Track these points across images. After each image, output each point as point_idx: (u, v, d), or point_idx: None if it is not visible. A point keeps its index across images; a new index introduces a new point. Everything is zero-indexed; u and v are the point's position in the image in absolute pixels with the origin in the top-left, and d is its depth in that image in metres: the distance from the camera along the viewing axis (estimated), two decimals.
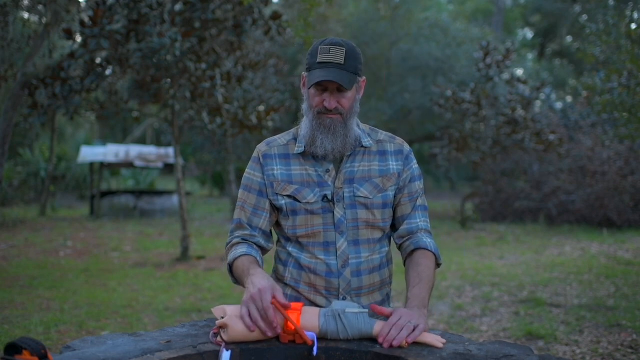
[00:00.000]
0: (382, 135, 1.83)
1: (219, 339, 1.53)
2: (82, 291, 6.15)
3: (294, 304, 1.55)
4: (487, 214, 13.38)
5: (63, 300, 5.70)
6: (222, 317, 1.54)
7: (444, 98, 13.25)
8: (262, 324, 1.49)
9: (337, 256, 1.72)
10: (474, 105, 12.72)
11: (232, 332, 1.50)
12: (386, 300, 1.84)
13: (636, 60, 6.53)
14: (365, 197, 1.73)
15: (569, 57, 29.01)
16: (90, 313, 5.21)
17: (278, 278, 1.84)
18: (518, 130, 12.57)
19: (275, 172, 1.76)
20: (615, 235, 10.08)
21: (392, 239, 1.87)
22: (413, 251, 1.77)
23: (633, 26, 7.29)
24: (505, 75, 14.03)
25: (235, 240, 1.80)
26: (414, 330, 1.49)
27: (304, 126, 1.74)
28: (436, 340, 1.50)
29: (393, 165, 1.78)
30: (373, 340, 1.54)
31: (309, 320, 1.54)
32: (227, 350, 1.46)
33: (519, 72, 22.64)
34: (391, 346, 1.47)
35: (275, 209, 1.80)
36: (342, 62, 1.64)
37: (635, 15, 8.23)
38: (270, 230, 1.85)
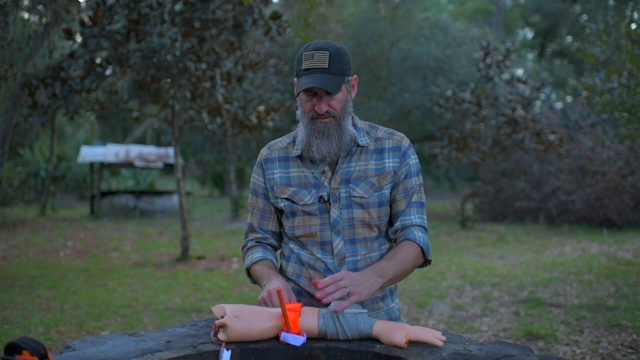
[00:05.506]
0: (381, 132, 1.83)
1: (218, 337, 1.53)
2: (82, 291, 6.15)
3: (293, 305, 1.56)
4: (487, 214, 13.37)
5: (63, 300, 5.70)
6: (222, 316, 1.55)
7: (444, 98, 13.24)
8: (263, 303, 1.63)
9: (333, 255, 1.76)
10: (474, 105, 12.72)
11: (231, 332, 1.50)
12: (388, 295, 1.85)
13: (636, 60, 6.53)
14: (360, 197, 1.75)
15: (569, 57, 29.02)
16: (90, 313, 5.21)
17: (282, 272, 1.89)
18: (518, 130, 12.57)
19: (275, 175, 1.82)
20: (615, 235, 10.08)
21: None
22: (401, 242, 1.79)
23: (633, 26, 7.29)
24: (505, 75, 14.02)
25: (250, 244, 1.91)
26: (348, 295, 1.54)
27: (300, 131, 1.78)
28: (435, 339, 1.50)
29: (389, 162, 1.78)
30: (373, 340, 1.54)
31: (307, 321, 1.54)
32: (227, 350, 1.46)
33: (519, 72, 22.65)
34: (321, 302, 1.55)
35: (278, 211, 1.86)
36: (327, 66, 1.65)
37: (635, 15, 8.22)
38: (279, 232, 1.92)
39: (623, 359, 3.84)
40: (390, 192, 1.80)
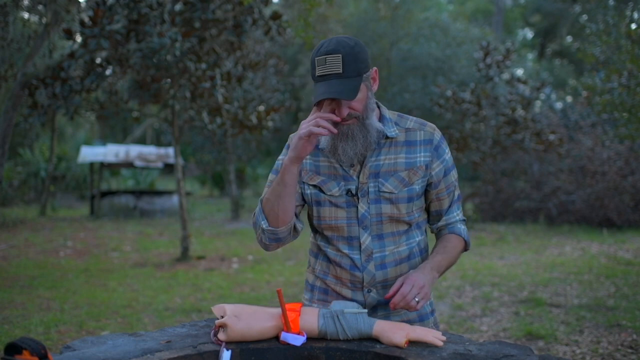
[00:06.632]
0: (412, 122, 1.75)
1: (218, 337, 1.53)
2: (82, 291, 6.15)
3: (293, 305, 1.56)
4: (487, 214, 13.37)
5: (63, 300, 5.70)
6: (222, 316, 1.55)
7: (444, 98, 13.24)
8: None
9: (360, 251, 1.72)
10: (474, 105, 12.71)
11: (231, 332, 1.50)
12: None
13: (636, 60, 6.53)
14: (390, 192, 1.70)
15: (569, 57, 29.02)
16: (90, 313, 5.21)
17: (311, 269, 1.87)
18: (518, 130, 12.56)
19: (305, 161, 1.76)
20: (615, 235, 10.08)
21: (426, 228, 1.88)
22: (447, 234, 1.83)
23: (633, 26, 7.29)
24: (505, 75, 14.01)
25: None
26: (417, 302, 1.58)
27: (323, 137, 1.70)
28: (436, 339, 1.50)
29: (421, 157, 1.72)
30: (373, 340, 1.54)
31: (307, 321, 1.54)
32: (227, 350, 1.46)
33: (519, 72, 22.65)
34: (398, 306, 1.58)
35: (302, 200, 1.78)
36: (341, 70, 1.55)
37: (635, 15, 8.22)
38: (297, 213, 1.79)
39: (623, 359, 3.84)
40: (429, 191, 1.76)
